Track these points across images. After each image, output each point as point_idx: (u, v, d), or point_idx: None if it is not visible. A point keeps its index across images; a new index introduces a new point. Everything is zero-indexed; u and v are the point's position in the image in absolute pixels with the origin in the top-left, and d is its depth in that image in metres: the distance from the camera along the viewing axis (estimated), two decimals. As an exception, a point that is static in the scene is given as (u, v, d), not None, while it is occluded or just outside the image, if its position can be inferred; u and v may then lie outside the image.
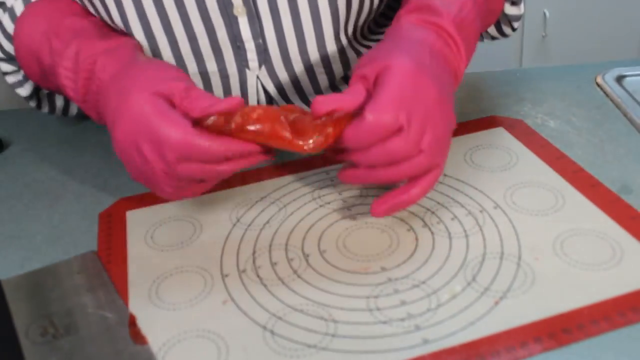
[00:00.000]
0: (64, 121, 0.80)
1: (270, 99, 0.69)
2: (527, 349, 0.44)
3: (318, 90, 0.69)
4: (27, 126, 0.79)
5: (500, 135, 0.67)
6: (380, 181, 0.51)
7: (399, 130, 0.48)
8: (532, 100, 0.74)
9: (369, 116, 0.48)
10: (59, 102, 0.74)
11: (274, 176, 0.64)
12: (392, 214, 0.56)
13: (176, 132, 0.49)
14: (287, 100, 0.69)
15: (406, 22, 0.56)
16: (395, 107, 0.48)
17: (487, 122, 0.70)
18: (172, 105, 0.51)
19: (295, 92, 0.69)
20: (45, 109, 0.73)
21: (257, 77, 0.66)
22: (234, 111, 0.49)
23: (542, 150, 0.64)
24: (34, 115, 0.83)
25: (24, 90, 0.70)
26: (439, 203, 0.58)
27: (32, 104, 0.72)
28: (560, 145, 0.64)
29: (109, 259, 0.55)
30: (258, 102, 0.69)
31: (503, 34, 0.73)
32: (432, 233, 0.55)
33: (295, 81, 0.67)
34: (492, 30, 0.72)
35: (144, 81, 0.53)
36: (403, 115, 0.48)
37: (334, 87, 0.71)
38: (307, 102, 0.70)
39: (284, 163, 0.66)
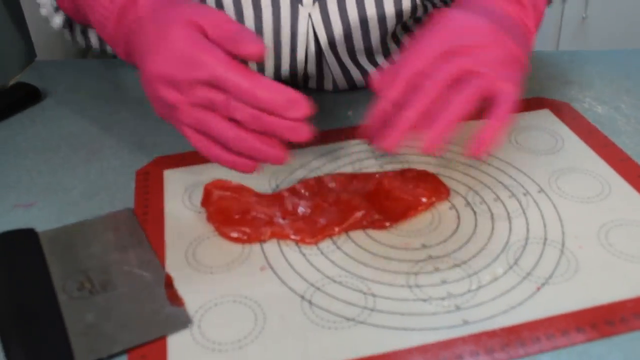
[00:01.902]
0: (101, 74, 0.79)
1: (319, 50, 0.68)
2: (568, 337, 0.43)
3: (368, 45, 0.68)
4: (64, 77, 0.79)
5: (547, 118, 0.66)
6: (456, 114, 0.49)
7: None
8: (579, 83, 0.72)
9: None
10: (93, 39, 0.72)
11: (315, 144, 0.63)
12: (487, 150, 0.51)
13: (213, 54, 0.47)
14: (335, 53, 0.68)
15: None
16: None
17: (534, 103, 0.68)
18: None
19: (344, 43, 0.67)
20: (80, 41, 0.73)
21: (309, 17, 0.65)
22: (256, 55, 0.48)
23: (589, 136, 0.62)
24: (71, 67, 0.83)
25: (57, 20, 0.71)
26: (482, 182, 0.57)
27: (67, 35, 0.73)
28: (607, 132, 0.63)
29: (146, 218, 0.55)
30: (307, 50, 0.67)
31: None
32: (475, 213, 0.54)
33: (347, 28, 0.66)
34: None
35: (182, 14, 0.50)
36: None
37: (384, 43, 0.69)
38: (355, 59, 0.69)
39: (326, 131, 0.65)
